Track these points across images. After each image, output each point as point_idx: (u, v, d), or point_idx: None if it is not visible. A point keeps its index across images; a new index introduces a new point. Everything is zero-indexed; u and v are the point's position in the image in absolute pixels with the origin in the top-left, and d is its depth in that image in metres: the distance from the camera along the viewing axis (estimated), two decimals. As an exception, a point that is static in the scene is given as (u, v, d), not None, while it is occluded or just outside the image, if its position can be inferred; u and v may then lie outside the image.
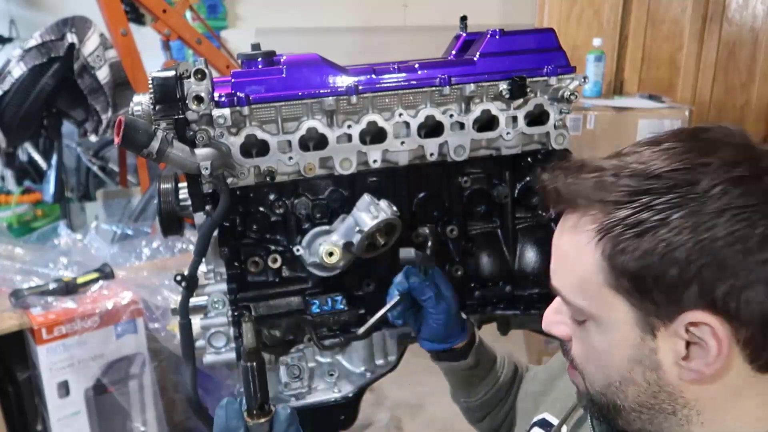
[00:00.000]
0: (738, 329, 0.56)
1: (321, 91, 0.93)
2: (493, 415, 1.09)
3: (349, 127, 0.96)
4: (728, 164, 0.56)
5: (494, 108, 1.00)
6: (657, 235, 0.55)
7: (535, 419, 0.92)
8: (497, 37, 1.00)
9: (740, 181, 0.55)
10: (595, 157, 0.63)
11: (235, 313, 0.97)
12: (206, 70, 0.86)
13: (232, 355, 0.96)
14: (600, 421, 0.72)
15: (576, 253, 0.61)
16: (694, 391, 0.60)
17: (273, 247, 0.99)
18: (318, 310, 0.98)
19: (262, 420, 0.64)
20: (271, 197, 0.98)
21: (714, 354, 0.57)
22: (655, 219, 0.55)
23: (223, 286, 0.98)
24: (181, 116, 0.86)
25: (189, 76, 0.86)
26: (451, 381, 1.08)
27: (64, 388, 1.69)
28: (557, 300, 0.68)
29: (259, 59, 0.95)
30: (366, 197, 0.93)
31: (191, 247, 1.76)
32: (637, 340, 0.59)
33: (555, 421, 0.87)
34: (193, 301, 0.96)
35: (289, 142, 0.95)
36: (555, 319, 0.68)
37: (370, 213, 0.91)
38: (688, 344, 0.58)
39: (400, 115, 0.97)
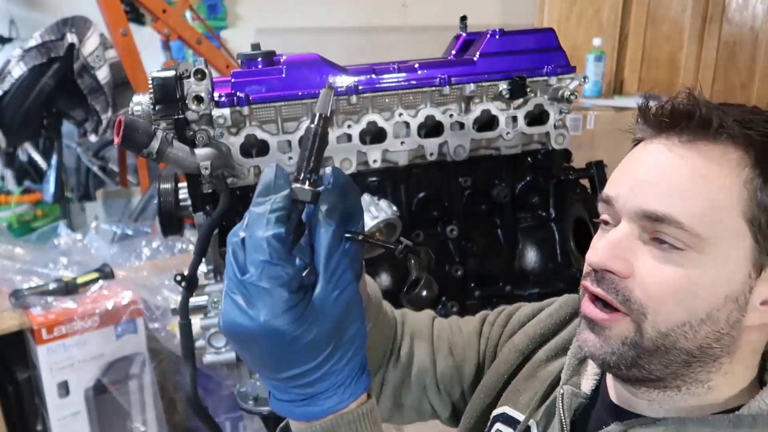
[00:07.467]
0: None
1: (321, 91, 0.93)
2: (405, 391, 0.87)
3: (349, 127, 0.96)
4: None
5: (494, 108, 1.00)
6: None
7: (494, 413, 0.82)
8: (497, 37, 1.00)
9: None
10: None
11: None
12: (206, 70, 0.86)
13: (232, 355, 0.96)
14: (618, 371, 0.65)
15: (716, 178, 0.59)
16: (748, 338, 0.62)
17: (273, 247, 0.99)
18: (318, 310, 0.98)
19: (308, 187, 0.57)
20: (271, 197, 0.98)
21: None
22: None
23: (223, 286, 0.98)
24: (181, 116, 0.86)
25: (189, 76, 0.86)
26: None
27: (64, 388, 1.69)
28: (618, 234, 0.63)
29: (259, 59, 0.95)
30: (366, 197, 0.93)
31: (191, 247, 1.76)
32: (744, 277, 0.59)
33: (519, 417, 0.79)
34: (193, 301, 0.96)
35: (289, 142, 0.95)
36: (613, 253, 0.62)
37: (370, 213, 0.91)
38: None
39: (400, 115, 0.97)
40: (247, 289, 0.52)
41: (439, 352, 0.88)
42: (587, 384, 0.75)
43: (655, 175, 0.62)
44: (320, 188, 0.58)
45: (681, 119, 0.62)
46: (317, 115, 0.59)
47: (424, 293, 0.73)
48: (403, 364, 0.87)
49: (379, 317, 0.83)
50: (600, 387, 0.74)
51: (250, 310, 0.52)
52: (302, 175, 0.57)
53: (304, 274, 0.55)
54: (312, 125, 0.58)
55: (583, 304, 0.66)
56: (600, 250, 0.63)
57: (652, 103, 0.65)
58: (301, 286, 0.53)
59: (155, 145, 0.81)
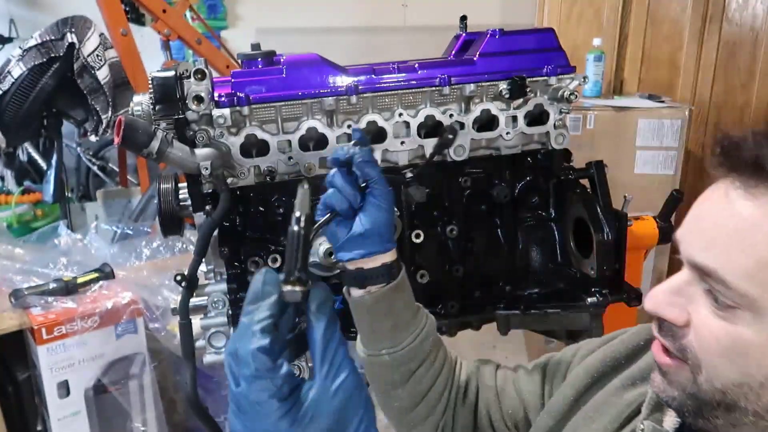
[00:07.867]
0: None
1: (321, 91, 0.93)
2: (427, 401, 0.87)
3: (349, 126, 0.96)
4: None
5: (494, 108, 1.00)
6: None
7: None
8: (497, 37, 1.00)
9: None
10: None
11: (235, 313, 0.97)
12: (206, 70, 0.86)
13: (232, 355, 0.96)
14: (686, 419, 0.63)
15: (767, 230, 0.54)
16: None
17: (273, 247, 0.99)
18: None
19: (298, 288, 0.58)
20: (272, 197, 0.98)
21: None
22: None
23: (223, 286, 0.98)
24: (181, 116, 0.86)
25: (189, 76, 0.86)
26: (368, 322, 0.82)
27: (64, 388, 1.69)
28: (678, 279, 0.60)
29: (259, 59, 0.95)
30: (366, 197, 0.92)
31: (191, 247, 1.76)
32: None
33: None
34: (193, 301, 0.96)
35: (289, 142, 0.95)
36: (669, 299, 0.59)
37: (370, 213, 0.91)
38: None
39: (400, 115, 0.97)
40: (241, 401, 0.54)
41: (503, 389, 0.91)
42: (670, 421, 0.70)
43: (706, 223, 0.58)
44: (309, 286, 0.58)
45: (732, 161, 0.58)
46: (298, 215, 0.61)
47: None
48: (470, 402, 0.90)
49: (436, 349, 0.87)
50: (684, 427, 0.69)
51: (246, 421, 0.54)
52: (291, 277, 0.58)
53: (297, 374, 0.57)
54: (294, 228, 0.60)
55: (653, 344, 0.64)
56: (655, 295, 0.61)
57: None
58: (294, 389, 0.54)
59: (155, 145, 0.81)
